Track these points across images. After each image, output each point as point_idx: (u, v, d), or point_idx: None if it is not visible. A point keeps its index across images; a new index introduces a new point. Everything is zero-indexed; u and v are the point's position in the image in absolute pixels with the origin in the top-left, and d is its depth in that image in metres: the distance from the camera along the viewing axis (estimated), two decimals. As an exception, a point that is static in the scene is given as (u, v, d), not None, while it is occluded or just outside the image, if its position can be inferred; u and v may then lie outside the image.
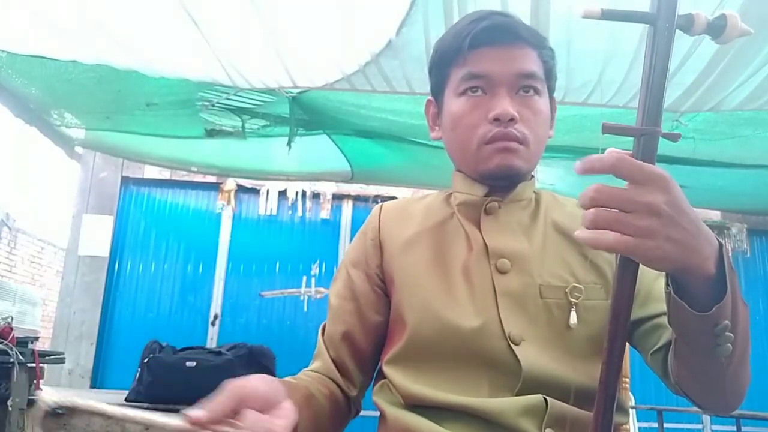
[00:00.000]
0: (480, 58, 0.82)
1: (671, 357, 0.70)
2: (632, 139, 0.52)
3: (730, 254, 0.57)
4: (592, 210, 0.51)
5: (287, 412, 0.61)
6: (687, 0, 0.47)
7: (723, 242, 0.58)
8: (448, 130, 0.88)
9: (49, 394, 0.56)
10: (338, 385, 0.88)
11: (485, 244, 0.83)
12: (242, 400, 0.59)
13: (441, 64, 0.88)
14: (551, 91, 0.89)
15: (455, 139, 0.86)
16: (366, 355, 0.90)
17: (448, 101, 0.87)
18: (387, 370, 0.84)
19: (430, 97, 0.94)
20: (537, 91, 0.83)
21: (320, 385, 0.84)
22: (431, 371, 0.79)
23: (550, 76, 0.87)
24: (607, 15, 0.45)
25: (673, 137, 0.49)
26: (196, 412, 0.55)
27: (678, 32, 0.49)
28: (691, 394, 0.71)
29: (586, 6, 0.44)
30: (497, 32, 0.81)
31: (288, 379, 0.81)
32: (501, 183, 0.86)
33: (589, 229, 0.51)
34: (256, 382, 0.62)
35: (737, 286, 0.58)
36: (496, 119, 0.80)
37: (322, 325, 0.93)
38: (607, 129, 0.49)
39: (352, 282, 0.91)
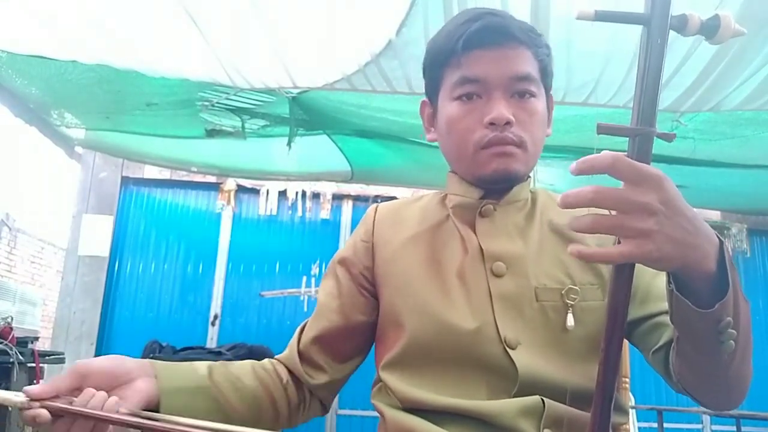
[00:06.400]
0: (473, 61, 0.81)
1: (673, 355, 0.69)
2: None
3: (730, 251, 0.57)
4: (589, 219, 0.51)
5: (135, 391, 0.66)
6: (686, 0, 0.47)
7: (723, 239, 0.57)
8: (443, 133, 0.87)
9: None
10: (294, 374, 0.88)
11: (480, 247, 0.83)
12: (84, 378, 0.64)
13: (434, 66, 0.86)
14: (548, 89, 0.88)
15: (451, 143, 0.85)
16: (343, 352, 0.90)
17: (442, 104, 0.86)
18: (384, 374, 0.84)
19: (424, 98, 0.93)
20: (533, 94, 0.82)
21: (260, 370, 0.86)
22: (429, 375, 0.79)
23: (546, 74, 0.85)
24: (601, 16, 0.45)
25: (668, 137, 0.49)
26: (35, 387, 0.61)
27: (673, 33, 0.49)
28: (693, 392, 0.71)
29: (581, 8, 0.44)
30: (490, 33, 0.80)
31: (205, 363, 0.82)
32: (498, 186, 0.86)
33: (589, 231, 0.51)
34: (102, 362, 0.67)
35: (738, 282, 0.58)
36: (492, 123, 0.79)
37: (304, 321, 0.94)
38: (602, 129, 0.49)
39: (338, 280, 0.92)
